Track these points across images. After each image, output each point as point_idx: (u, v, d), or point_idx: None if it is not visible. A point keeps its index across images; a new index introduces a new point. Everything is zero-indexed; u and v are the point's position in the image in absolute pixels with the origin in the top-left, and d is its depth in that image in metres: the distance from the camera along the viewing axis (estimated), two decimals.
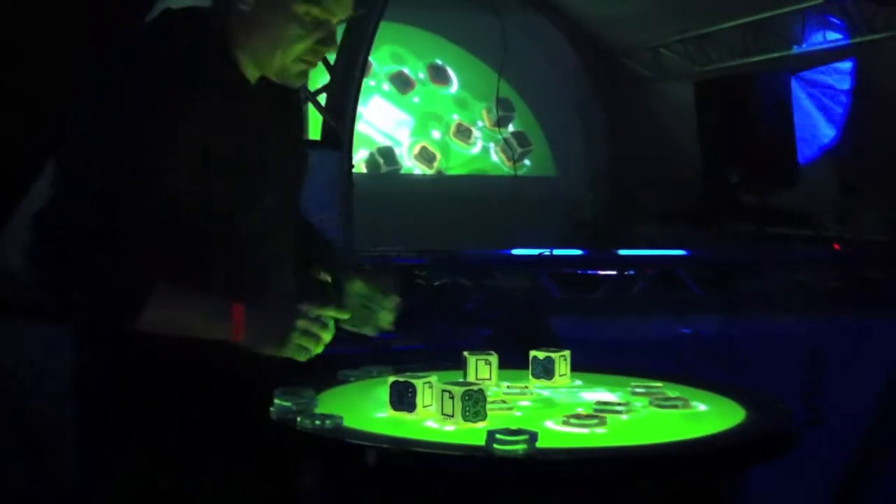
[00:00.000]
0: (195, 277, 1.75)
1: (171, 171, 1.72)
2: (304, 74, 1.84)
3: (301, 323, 1.73)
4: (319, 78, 5.23)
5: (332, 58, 5.18)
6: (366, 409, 1.75)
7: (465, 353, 2.01)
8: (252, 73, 1.84)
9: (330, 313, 1.78)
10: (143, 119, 1.70)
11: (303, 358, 1.77)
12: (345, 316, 1.84)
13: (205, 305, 1.73)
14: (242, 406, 1.72)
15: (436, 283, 3.92)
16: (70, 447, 1.84)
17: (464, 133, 8.32)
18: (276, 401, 1.69)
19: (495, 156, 8.42)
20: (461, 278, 3.95)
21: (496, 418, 1.67)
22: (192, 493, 1.75)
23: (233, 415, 1.74)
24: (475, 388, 1.66)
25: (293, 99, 2.00)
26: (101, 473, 1.79)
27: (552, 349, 2.04)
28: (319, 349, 1.77)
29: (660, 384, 1.93)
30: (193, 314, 1.73)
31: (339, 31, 2.04)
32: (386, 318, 2.00)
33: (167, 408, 1.74)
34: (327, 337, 1.76)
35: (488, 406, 1.67)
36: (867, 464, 3.55)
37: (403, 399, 1.71)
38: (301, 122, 2.11)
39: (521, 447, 1.43)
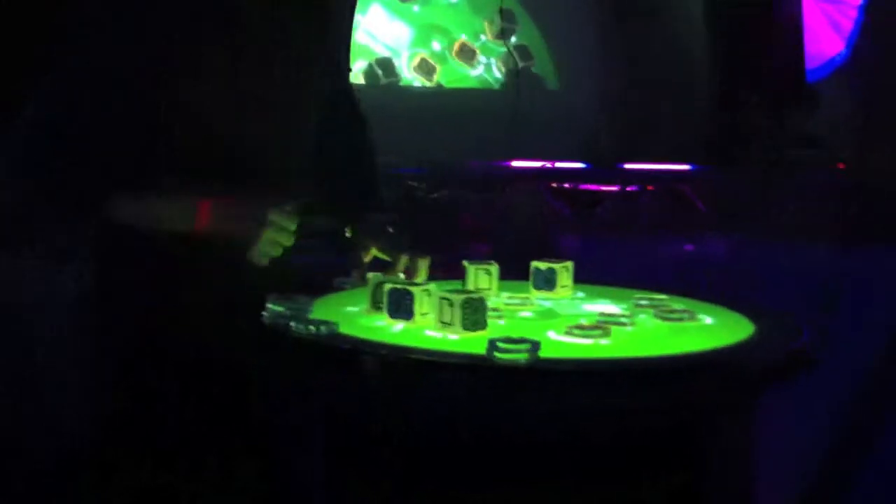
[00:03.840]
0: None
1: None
2: None
3: (268, 233, 1.69)
4: None
5: None
6: (362, 317, 1.69)
7: (465, 263, 1.95)
8: None
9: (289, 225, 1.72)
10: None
11: (262, 262, 1.71)
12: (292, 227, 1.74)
13: (172, 197, 1.71)
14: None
15: (434, 195, 3.85)
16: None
17: (467, 54, 8.14)
18: (270, 305, 1.63)
19: (497, 70, 8.25)
20: (461, 190, 3.88)
21: (497, 328, 1.62)
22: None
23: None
24: (475, 295, 1.61)
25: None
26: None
27: (554, 260, 1.98)
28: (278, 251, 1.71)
29: (664, 297, 1.87)
30: (161, 204, 1.71)
31: None
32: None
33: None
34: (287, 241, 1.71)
35: (489, 315, 1.62)
36: (872, 402, 3.50)
37: (401, 306, 1.66)
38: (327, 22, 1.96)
39: (523, 356, 1.37)
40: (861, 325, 3.20)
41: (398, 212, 2.04)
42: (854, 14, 7.00)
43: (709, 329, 1.69)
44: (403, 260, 1.89)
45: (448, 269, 2.00)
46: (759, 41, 6.23)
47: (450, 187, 3.89)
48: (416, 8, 8.21)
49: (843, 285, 3.27)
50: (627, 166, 4.75)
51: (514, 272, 2.00)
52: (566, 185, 4.15)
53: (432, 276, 1.92)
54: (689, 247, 3.42)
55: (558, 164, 4.30)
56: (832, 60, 7.07)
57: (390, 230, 1.94)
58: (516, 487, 1.42)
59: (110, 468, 1.75)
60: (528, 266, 1.98)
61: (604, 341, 1.55)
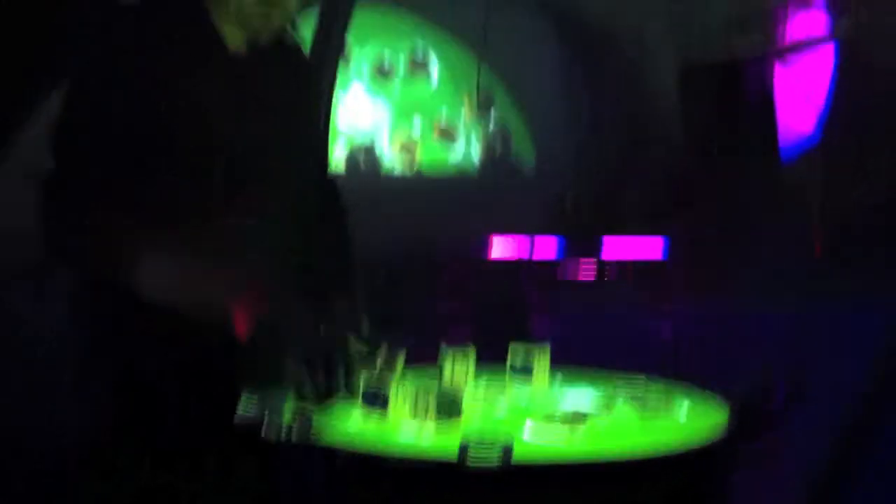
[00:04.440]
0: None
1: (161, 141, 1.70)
2: (267, 18, 1.77)
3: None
4: None
5: (308, 39, 5.07)
6: (338, 408, 1.68)
7: (442, 348, 1.95)
8: (232, 35, 1.79)
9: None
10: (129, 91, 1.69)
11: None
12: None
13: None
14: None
15: (414, 279, 3.86)
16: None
17: (447, 135, 8.26)
18: (244, 398, 1.63)
19: (476, 148, 8.36)
20: (440, 275, 3.89)
21: (472, 417, 1.61)
22: (192, 493, 1.72)
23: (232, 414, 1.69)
24: (449, 385, 1.61)
25: (289, 61, 1.92)
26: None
27: (531, 343, 1.99)
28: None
29: (641, 380, 1.87)
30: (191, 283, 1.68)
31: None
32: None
33: (167, 407, 1.72)
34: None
35: (463, 403, 1.62)
36: (847, 451, 3.51)
37: (377, 397, 1.66)
38: (301, 94, 1.97)
39: (495, 458, 1.37)
40: (831, 381, 3.22)
41: (375, 300, 2.03)
42: (825, 93, 7.15)
43: (683, 415, 1.69)
44: (380, 352, 1.89)
45: (425, 354, 2.00)
46: (729, 110, 6.34)
47: (428, 269, 3.91)
48: (395, 87, 8.35)
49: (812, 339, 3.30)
50: (604, 240, 4.80)
51: (493, 355, 2.00)
52: (544, 261, 4.18)
53: (411, 362, 1.91)
54: (667, 319, 3.44)
55: (537, 241, 4.33)
56: (805, 138, 7.20)
57: (365, 321, 1.94)
58: None
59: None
60: (506, 349, 1.99)
61: (578, 432, 1.55)
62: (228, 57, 1.80)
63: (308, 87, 2.02)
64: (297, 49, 1.96)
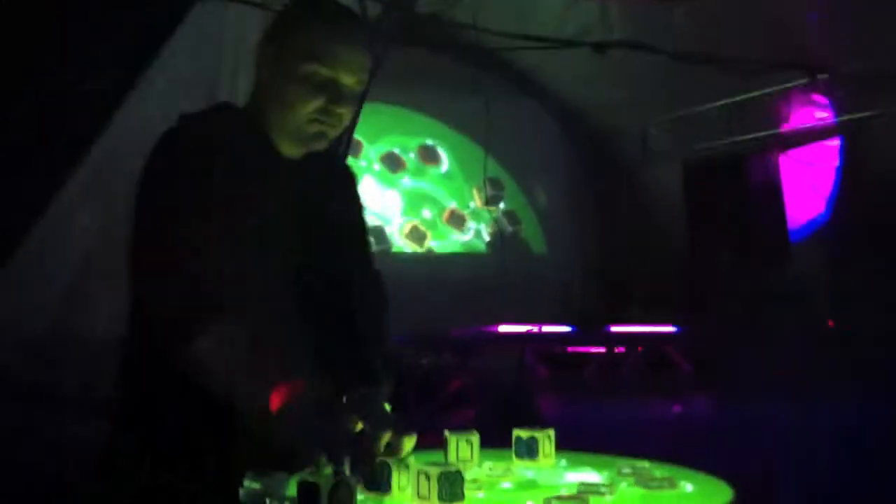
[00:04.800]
0: None
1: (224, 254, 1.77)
2: (322, 136, 1.89)
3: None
4: None
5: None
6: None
7: (446, 433, 1.95)
8: (287, 147, 1.91)
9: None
10: (195, 218, 1.76)
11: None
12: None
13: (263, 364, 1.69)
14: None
15: (422, 362, 3.86)
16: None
17: (457, 220, 8.35)
18: (246, 482, 1.62)
19: (486, 235, 8.43)
20: (448, 357, 3.89)
21: (475, 501, 1.60)
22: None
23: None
24: (452, 468, 1.60)
25: (339, 175, 2.06)
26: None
27: (536, 428, 1.98)
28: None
29: (647, 464, 1.86)
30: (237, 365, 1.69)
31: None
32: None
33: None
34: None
35: (467, 487, 1.61)
36: None
37: (378, 480, 1.65)
38: (352, 204, 2.10)
39: None
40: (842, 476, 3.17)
41: (393, 387, 2.03)
42: (832, 176, 7.23)
43: (688, 497, 1.68)
44: (385, 437, 1.88)
45: (433, 436, 1.99)
46: (733, 204, 6.40)
47: (437, 353, 3.91)
48: (406, 179, 8.49)
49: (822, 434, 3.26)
50: (613, 329, 4.79)
51: (498, 439, 1.99)
52: (553, 349, 4.17)
53: (414, 446, 1.90)
54: (676, 408, 3.42)
55: (545, 329, 4.33)
56: (813, 221, 7.25)
57: (384, 406, 1.93)
58: None
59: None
60: (511, 433, 1.98)
61: None
62: (286, 167, 1.92)
63: (353, 192, 2.13)
64: (342, 157, 2.08)
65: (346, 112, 1.87)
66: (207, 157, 1.82)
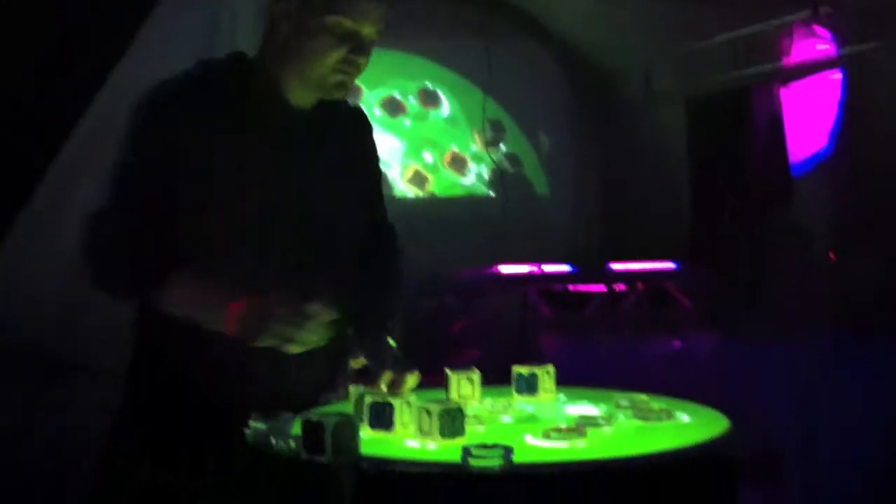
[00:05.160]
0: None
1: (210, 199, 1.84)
2: (343, 86, 1.93)
3: (283, 311, 1.73)
4: None
5: None
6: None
7: (447, 371, 1.99)
8: (302, 96, 1.94)
9: (318, 314, 1.75)
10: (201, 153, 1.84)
11: (284, 346, 1.75)
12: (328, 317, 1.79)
13: (212, 295, 1.79)
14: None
15: (426, 304, 3.90)
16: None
17: (458, 163, 8.33)
18: (252, 423, 1.66)
19: (487, 178, 8.43)
20: (451, 299, 3.92)
21: (476, 435, 1.64)
22: (192, 493, 1.77)
23: (231, 415, 1.74)
24: (453, 405, 1.64)
25: (355, 121, 2.09)
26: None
27: (535, 364, 2.02)
28: (299, 348, 1.75)
29: (644, 397, 1.90)
30: (202, 301, 1.80)
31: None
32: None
33: (167, 409, 1.80)
34: (307, 337, 1.74)
35: (468, 423, 1.65)
36: (865, 488, 3.48)
37: (381, 418, 1.69)
38: (369, 151, 2.15)
39: (496, 462, 1.40)
40: (843, 416, 3.21)
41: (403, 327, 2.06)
42: (835, 110, 7.17)
43: (684, 428, 1.72)
44: (387, 375, 1.92)
45: (436, 376, 2.03)
46: (736, 140, 6.37)
47: (440, 295, 3.94)
48: (407, 122, 8.45)
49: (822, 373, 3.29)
50: (613, 266, 4.82)
51: (501, 377, 2.03)
52: (554, 288, 4.20)
53: (418, 384, 1.94)
54: (676, 343, 3.45)
55: (546, 268, 4.36)
56: (816, 155, 7.22)
57: (392, 344, 1.97)
58: None
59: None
60: (510, 371, 2.01)
61: (580, 443, 1.58)
62: (299, 115, 1.95)
63: (368, 139, 2.16)
64: (356, 107, 2.13)
65: (365, 62, 1.92)
66: (219, 107, 1.87)
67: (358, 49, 1.89)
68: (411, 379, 1.91)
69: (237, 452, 1.67)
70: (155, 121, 1.87)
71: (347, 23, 1.86)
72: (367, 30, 1.89)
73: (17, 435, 2.93)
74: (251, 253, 1.87)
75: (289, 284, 1.84)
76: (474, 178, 8.30)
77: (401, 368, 1.91)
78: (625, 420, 1.77)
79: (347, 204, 2.01)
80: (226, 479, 1.76)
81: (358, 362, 1.98)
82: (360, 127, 2.12)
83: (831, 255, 5.96)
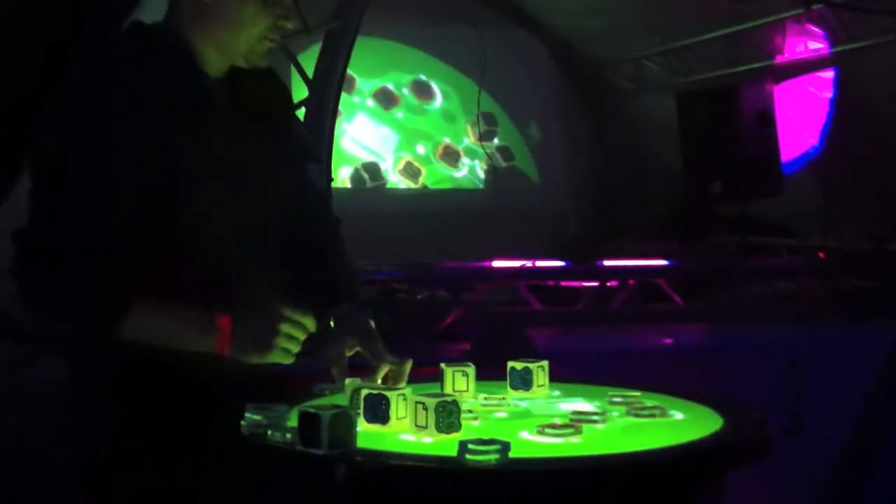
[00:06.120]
0: (174, 287, 1.75)
1: (144, 179, 1.73)
2: (268, 53, 1.88)
3: (284, 327, 1.73)
4: (298, 93, 5.21)
5: (310, 71, 5.17)
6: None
7: (442, 365, 1.99)
8: (218, 64, 1.86)
9: (307, 322, 1.76)
10: (113, 130, 1.72)
11: (286, 361, 1.76)
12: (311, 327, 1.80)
13: (189, 317, 1.74)
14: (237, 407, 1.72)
15: (417, 297, 3.90)
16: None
17: (451, 156, 8.32)
18: (247, 414, 1.66)
19: (480, 171, 8.43)
20: (441, 292, 3.93)
21: (471, 430, 1.65)
22: (192, 493, 1.76)
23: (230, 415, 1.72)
24: (449, 399, 1.64)
25: (276, 88, 2.00)
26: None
27: (530, 360, 2.03)
28: (297, 348, 1.76)
29: (638, 393, 1.91)
30: (178, 325, 1.74)
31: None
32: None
33: (165, 409, 1.76)
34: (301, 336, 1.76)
35: (463, 417, 1.65)
36: (850, 473, 3.53)
37: (377, 412, 1.69)
38: (290, 115, 2.10)
39: (493, 457, 1.41)
40: (830, 403, 3.24)
41: (375, 307, 2.07)
42: (826, 108, 7.20)
43: (678, 425, 1.73)
44: (384, 368, 1.92)
45: (428, 370, 2.03)
46: (727, 134, 6.38)
47: (431, 289, 3.94)
48: (399, 115, 8.44)
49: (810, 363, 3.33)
50: (605, 263, 4.84)
51: (494, 370, 2.03)
52: (546, 283, 4.22)
53: (412, 378, 1.95)
54: (667, 340, 3.47)
55: (538, 263, 4.37)
56: (806, 153, 7.25)
57: (371, 324, 1.97)
58: None
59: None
60: (506, 366, 2.02)
61: (574, 440, 1.59)
62: (214, 83, 1.86)
63: (291, 111, 2.10)
64: (273, 72, 2.02)
65: (290, 27, 1.86)
66: (132, 77, 1.75)
67: (285, 15, 1.83)
68: (406, 368, 1.92)
69: (230, 445, 1.67)
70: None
71: None
72: None
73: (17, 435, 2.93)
74: (202, 246, 1.78)
75: (252, 280, 1.82)
76: (466, 171, 8.30)
77: (395, 360, 1.92)
78: (618, 417, 1.78)
79: (284, 183, 1.94)
80: (215, 472, 1.77)
81: (350, 350, 1.99)
82: (280, 93, 2.03)
83: (820, 254, 6.00)
